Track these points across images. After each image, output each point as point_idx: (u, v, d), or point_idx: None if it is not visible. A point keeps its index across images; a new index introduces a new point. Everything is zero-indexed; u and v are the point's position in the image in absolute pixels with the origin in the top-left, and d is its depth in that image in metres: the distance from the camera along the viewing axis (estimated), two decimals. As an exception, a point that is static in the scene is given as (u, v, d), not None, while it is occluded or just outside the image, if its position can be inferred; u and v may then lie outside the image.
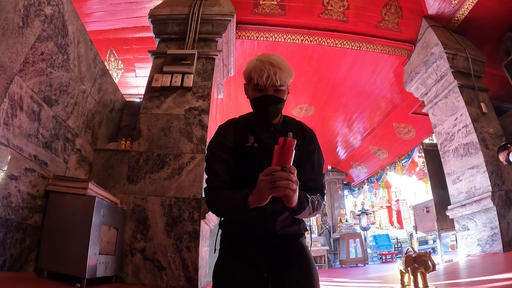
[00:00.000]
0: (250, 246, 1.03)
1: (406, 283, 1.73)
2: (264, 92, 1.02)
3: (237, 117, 1.17)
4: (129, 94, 4.84)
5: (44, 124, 1.87)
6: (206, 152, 1.11)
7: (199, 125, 2.55)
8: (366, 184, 8.62)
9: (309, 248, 1.12)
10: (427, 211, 4.33)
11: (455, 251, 5.86)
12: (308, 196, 0.95)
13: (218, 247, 1.13)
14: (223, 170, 1.04)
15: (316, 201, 0.99)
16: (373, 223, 9.22)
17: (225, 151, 1.06)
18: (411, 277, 1.63)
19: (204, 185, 2.42)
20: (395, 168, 7.00)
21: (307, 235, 1.18)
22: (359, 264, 6.75)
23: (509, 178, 2.97)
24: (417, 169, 6.60)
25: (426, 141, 5.48)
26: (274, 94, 1.02)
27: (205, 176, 2.49)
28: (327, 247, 7.57)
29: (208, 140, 2.62)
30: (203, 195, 2.34)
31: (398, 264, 1.77)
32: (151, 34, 3.15)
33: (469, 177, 3.13)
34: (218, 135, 1.10)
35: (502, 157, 2.53)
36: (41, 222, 1.77)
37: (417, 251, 1.71)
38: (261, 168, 0.92)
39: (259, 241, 1.04)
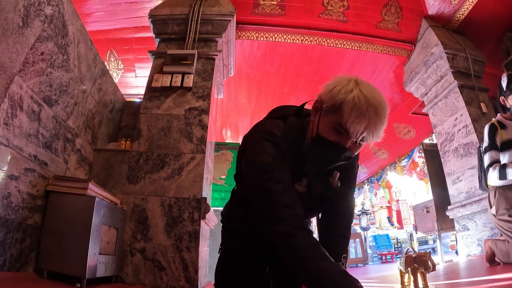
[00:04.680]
0: (256, 245, 1.03)
1: (406, 283, 1.73)
2: (344, 141, 0.74)
3: (282, 128, 0.81)
4: (129, 94, 4.83)
5: (44, 124, 1.87)
6: (248, 171, 0.78)
7: (199, 125, 2.55)
8: (366, 184, 8.62)
9: None
10: (427, 211, 4.33)
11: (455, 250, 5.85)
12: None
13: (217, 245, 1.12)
14: (293, 198, 0.71)
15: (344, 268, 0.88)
16: (373, 223, 9.22)
17: (286, 170, 0.73)
18: (411, 277, 1.63)
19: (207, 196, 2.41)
20: (395, 168, 6.99)
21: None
22: (359, 264, 6.75)
23: (509, 178, 2.97)
24: (418, 169, 6.60)
25: (426, 141, 5.48)
26: (353, 147, 0.76)
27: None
28: (327, 247, 7.55)
29: (209, 140, 2.62)
30: (203, 195, 2.34)
31: (398, 264, 1.77)
32: (151, 34, 3.15)
33: (469, 177, 3.12)
34: (273, 147, 0.74)
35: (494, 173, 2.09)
36: (41, 222, 1.77)
37: (417, 251, 1.71)
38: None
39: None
